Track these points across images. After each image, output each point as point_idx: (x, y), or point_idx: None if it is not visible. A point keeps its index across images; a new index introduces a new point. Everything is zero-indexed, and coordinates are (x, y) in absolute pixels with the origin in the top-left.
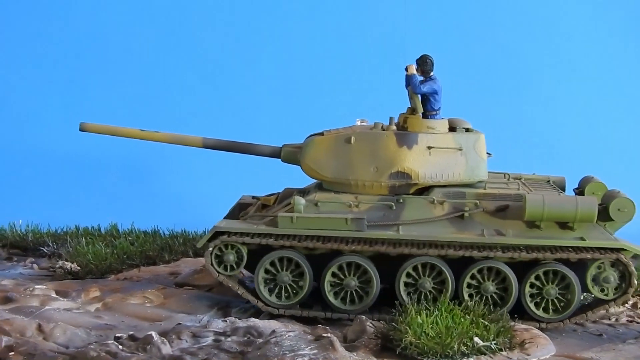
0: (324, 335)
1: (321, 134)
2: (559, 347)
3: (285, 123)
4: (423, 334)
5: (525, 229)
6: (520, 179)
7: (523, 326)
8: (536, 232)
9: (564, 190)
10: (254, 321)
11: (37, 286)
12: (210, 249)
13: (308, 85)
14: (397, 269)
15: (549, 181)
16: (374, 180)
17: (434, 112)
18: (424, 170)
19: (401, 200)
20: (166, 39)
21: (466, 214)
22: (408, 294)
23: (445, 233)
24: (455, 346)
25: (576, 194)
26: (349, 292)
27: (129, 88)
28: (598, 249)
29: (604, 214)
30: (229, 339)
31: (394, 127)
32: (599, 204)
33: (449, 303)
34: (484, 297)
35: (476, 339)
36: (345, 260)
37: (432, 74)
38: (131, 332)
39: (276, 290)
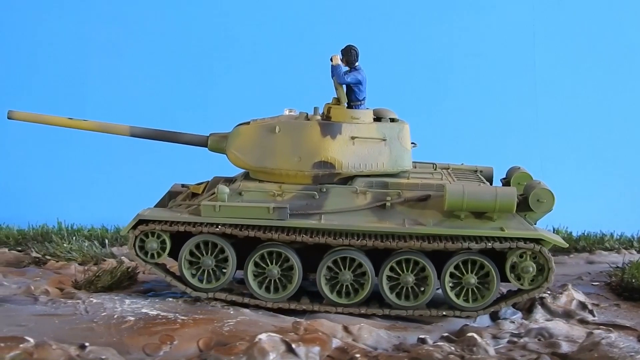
0: None
1: (248, 123)
2: None
3: (217, 112)
4: None
5: (446, 218)
6: (448, 169)
7: None
8: (456, 222)
9: (492, 180)
10: (543, 323)
11: None
12: (134, 236)
13: (240, 74)
14: (321, 259)
15: (476, 171)
16: (298, 169)
17: (359, 103)
18: (347, 160)
19: (324, 190)
20: (94, 25)
21: (388, 204)
22: (330, 286)
23: (366, 222)
24: None
25: (503, 184)
26: (272, 281)
27: (55, 76)
28: (517, 239)
29: (524, 205)
30: (521, 340)
31: (319, 117)
32: (520, 195)
33: None
34: (406, 289)
35: None
36: (268, 249)
37: (357, 64)
38: (445, 334)
39: (201, 275)
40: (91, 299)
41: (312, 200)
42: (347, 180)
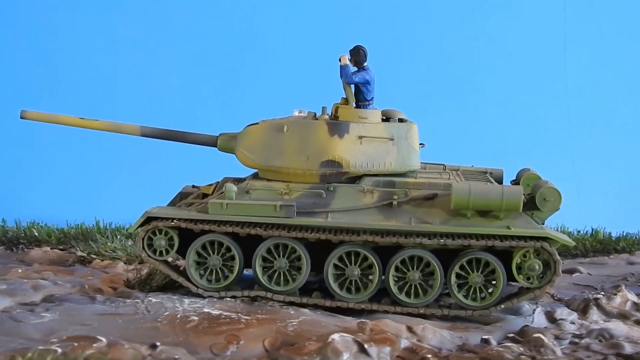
0: None
1: (257, 124)
2: None
3: (227, 114)
4: None
5: (453, 217)
6: (458, 170)
7: None
8: (463, 220)
9: (502, 182)
10: (603, 324)
11: None
12: (142, 234)
13: (250, 76)
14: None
15: (486, 172)
16: (306, 168)
17: (367, 102)
18: (354, 159)
19: (331, 189)
20: (110, 26)
21: (394, 203)
22: (338, 282)
23: (373, 221)
24: None
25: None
26: (281, 274)
27: (68, 77)
28: (523, 237)
29: (531, 204)
30: (583, 341)
31: (327, 117)
32: (528, 194)
33: None
34: (411, 286)
35: None
36: (276, 241)
37: (365, 64)
38: (510, 334)
39: (207, 274)
40: (150, 299)
41: (319, 199)
42: (355, 179)
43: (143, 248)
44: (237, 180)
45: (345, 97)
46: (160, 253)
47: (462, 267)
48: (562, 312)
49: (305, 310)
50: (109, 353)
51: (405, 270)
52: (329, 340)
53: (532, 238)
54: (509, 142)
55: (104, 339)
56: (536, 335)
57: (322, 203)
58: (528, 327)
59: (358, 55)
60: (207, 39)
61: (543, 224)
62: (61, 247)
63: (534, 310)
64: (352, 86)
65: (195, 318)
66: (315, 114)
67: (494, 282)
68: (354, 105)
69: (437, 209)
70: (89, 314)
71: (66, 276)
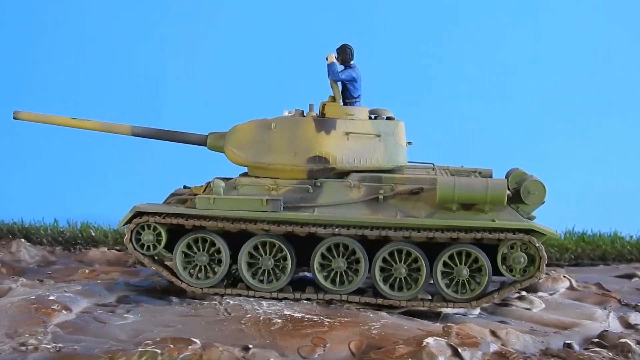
0: None
1: None
2: None
3: (216, 115)
4: None
5: (438, 211)
6: (447, 169)
7: None
8: (448, 214)
9: None
10: None
11: None
12: (130, 229)
13: (240, 77)
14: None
15: (475, 172)
16: (293, 164)
17: (354, 100)
18: (341, 155)
19: (318, 184)
20: (103, 26)
21: (380, 197)
22: (324, 275)
23: (359, 215)
24: None
25: None
26: (266, 271)
27: (60, 77)
28: (507, 229)
29: (516, 198)
30: None
31: (314, 114)
32: (513, 188)
33: None
34: (397, 279)
35: None
36: (261, 239)
37: (352, 62)
38: (595, 339)
39: (194, 270)
40: (228, 301)
41: (307, 194)
42: (343, 175)
43: (132, 243)
44: (227, 180)
45: (332, 95)
46: (148, 248)
47: (450, 258)
48: (636, 317)
49: (384, 314)
50: (204, 355)
51: (393, 263)
52: (424, 344)
53: (516, 230)
54: (501, 143)
55: (198, 341)
56: (623, 340)
57: (309, 198)
58: (608, 332)
59: (345, 53)
60: (197, 40)
61: (530, 218)
62: (118, 247)
63: (608, 315)
64: (339, 84)
65: (279, 320)
66: (302, 111)
67: (478, 278)
68: (342, 102)
69: (423, 203)
70: (171, 315)
71: (133, 277)
